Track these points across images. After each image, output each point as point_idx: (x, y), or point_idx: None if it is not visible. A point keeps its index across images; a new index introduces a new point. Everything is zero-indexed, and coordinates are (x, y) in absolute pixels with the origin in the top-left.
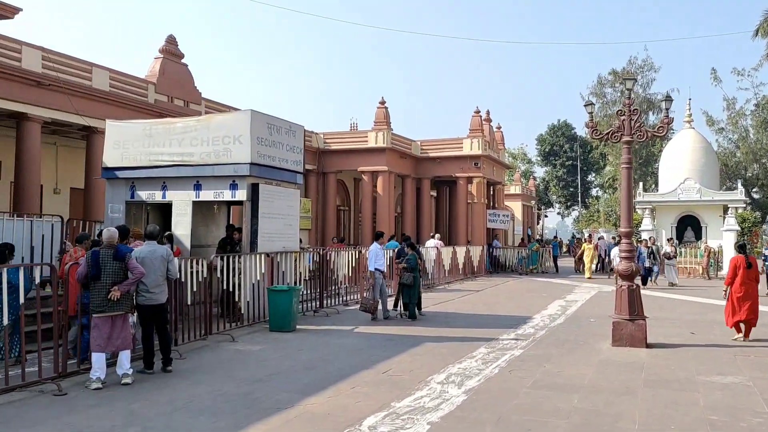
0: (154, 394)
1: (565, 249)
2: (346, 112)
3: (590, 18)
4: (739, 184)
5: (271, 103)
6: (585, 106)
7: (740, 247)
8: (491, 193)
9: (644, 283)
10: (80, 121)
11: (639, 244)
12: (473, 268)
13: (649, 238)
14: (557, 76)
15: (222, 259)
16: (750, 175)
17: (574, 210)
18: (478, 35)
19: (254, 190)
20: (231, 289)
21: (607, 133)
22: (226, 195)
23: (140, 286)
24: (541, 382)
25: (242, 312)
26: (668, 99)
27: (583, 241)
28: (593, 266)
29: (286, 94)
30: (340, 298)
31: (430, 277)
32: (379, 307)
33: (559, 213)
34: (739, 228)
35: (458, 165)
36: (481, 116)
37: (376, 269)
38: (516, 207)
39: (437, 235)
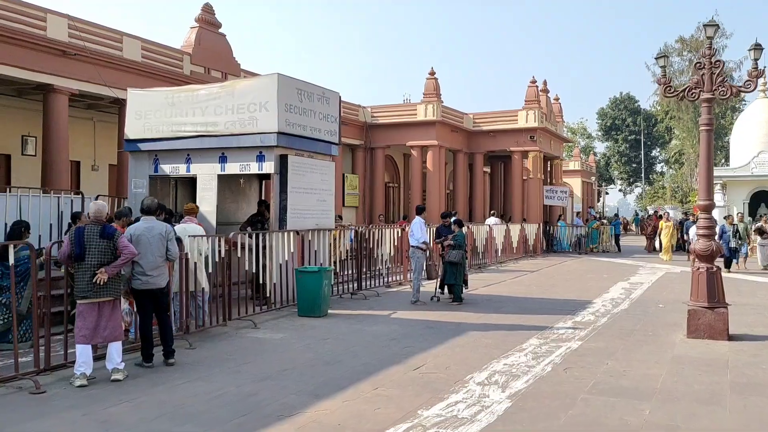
0: (143, 394)
1: (629, 227)
2: (397, 88)
3: None
4: None
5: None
6: (657, 59)
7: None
8: (548, 168)
9: (728, 266)
10: (110, 93)
11: (724, 221)
12: (528, 247)
13: (737, 214)
14: (620, 46)
15: (248, 236)
16: None
17: (637, 186)
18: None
19: (283, 162)
20: (256, 271)
21: (683, 90)
22: (253, 167)
23: (136, 268)
24: (604, 385)
25: (268, 295)
26: (758, 47)
27: (659, 218)
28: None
29: (332, 68)
30: (382, 279)
31: (482, 256)
32: (416, 288)
33: (620, 190)
34: None
35: (513, 139)
36: (537, 87)
37: (417, 246)
38: (575, 183)
39: (495, 212)
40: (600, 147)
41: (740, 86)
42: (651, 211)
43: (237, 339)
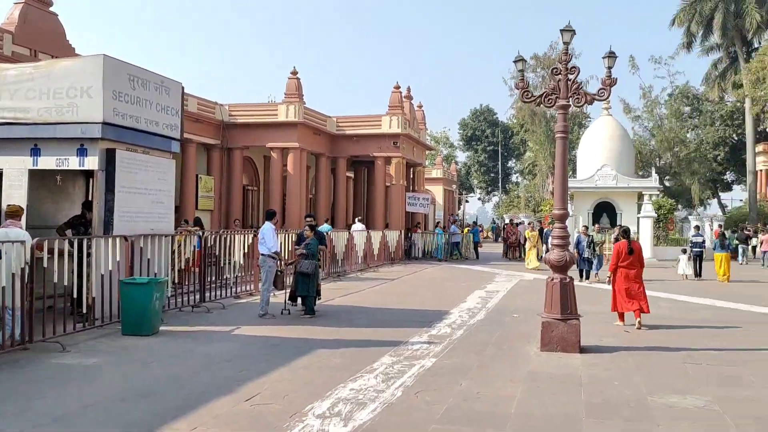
0: None
1: (486, 235)
2: (262, 90)
3: (510, 3)
4: (653, 172)
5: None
6: (515, 62)
7: (624, 233)
8: (411, 175)
9: (585, 277)
10: None
11: (578, 232)
12: (390, 255)
13: (595, 225)
14: (482, 61)
15: (67, 242)
16: (663, 163)
17: (494, 196)
18: (402, 16)
19: (109, 158)
20: (72, 283)
21: (540, 96)
22: (72, 162)
23: None
24: (457, 411)
25: (86, 311)
26: (611, 55)
27: (515, 225)
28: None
29: (194, 64)
30: (230, 290)
31: (341, 264)
32: (264, 300)
33: (480, 198)
34: (655, 215)
35: (376, 144)
36: (401, 93)
37: (268, 255)
38: (437, 191)
39: (361, 218)
40: (461, 156)
41: (594, 94)
42: (507, 220)
43: (34, 367)
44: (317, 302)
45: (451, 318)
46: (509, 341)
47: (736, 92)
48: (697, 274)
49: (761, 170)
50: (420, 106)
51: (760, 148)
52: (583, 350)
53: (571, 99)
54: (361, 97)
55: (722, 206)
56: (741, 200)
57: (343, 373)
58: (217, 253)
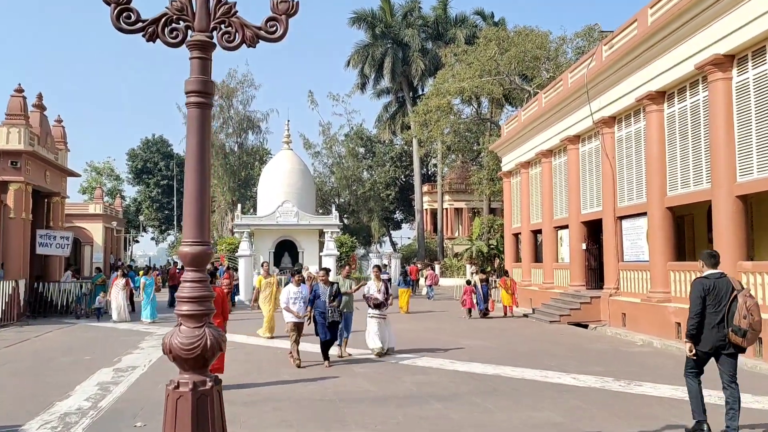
0: None
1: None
2: None
3: None
4: (334, 209)
5: None
6: None
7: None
8: (46, 208)
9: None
10: None
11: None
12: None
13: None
14: (153, 87)
15: None
16: (342, 200)
17: (170, 234)
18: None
19: None
20: None
21: (155, 22)
22: None
23: None
24: None
25: None
26: None
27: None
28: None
29: None
30: None
31: None
32: None
33: (153, 238)
34: (338, 252)
35: None
36: (25, 98)
37: None
38: (96, 229)
39: None
40: (131, 191)
41: (261, 27)
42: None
43: None
44: None
45: None
46: None
47: (405, 134)
48: None
49: (427, 209)
50: (60, 121)
51: (425, 188)
52: None
53: (216, 33)
54: None
55: (393, 244)
56: (409, 238)
57: None
58: None
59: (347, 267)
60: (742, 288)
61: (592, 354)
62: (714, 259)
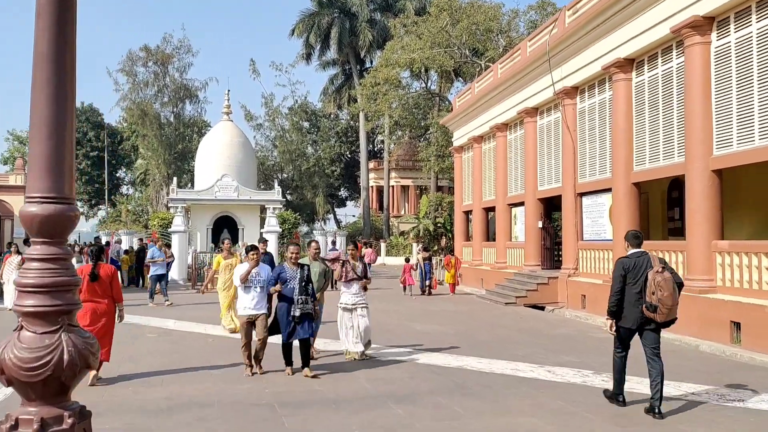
0: None
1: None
2: None
3: None
4: (276, 185)
5: None
6: None
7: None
8: None
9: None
10: None
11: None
12: None
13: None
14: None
15: None
16: (286, 176)
17: (100, 209)
18: None
19: None
20: None
21: None
22: None
23: None
24: None
25: None
26: None
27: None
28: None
29: None
30: None
31: None
32: None
33: (83, 213)
34: (280, 229)
35: None
36: None
37: None
38: (17, 203)
39: None
40: None
41: None
42: (114, 238)
43: None
44: None
45: None
46: None
47: (351, 107)
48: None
49: (373, 186)
50: None
51: (371, 165)
52: None
53: None
54: None
55: (338, 221)
56: (354, 216)
57: None
58: None
59: (314, 243)
60: (661, 266)
61: (559, 340)
62: (637, 240)
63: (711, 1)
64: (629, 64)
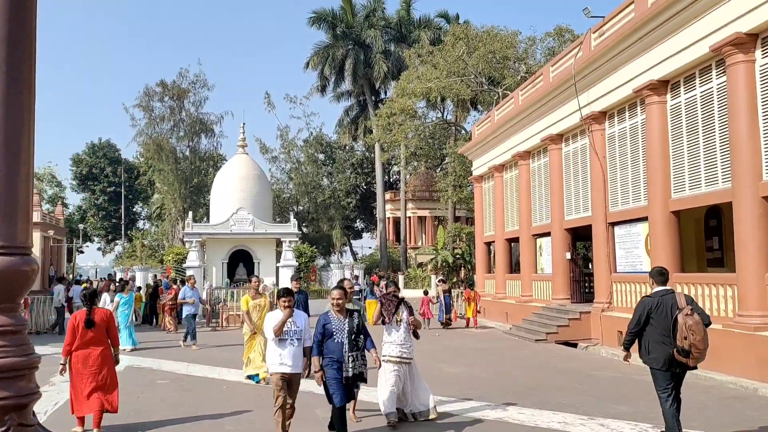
0: None
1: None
2: None
3: (139, 24)
4: (292, 217)
5: None
6: None
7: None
8: None
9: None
10: None
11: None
12: None
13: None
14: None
15: None
16: (301, 208)
17: (117, 245)
18: None
19: None
20: None
21: None
22: None
23: None
24: None
25: None
26: None
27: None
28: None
29: None
30: None
31: None
32: None
33: (99, 248)
34: (296, 263)
35: None
36: None
37: None
38: (34, 240)
39: None
40: (75, 198)
41: None
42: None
43: None
44: None
45: None
46: None
47: (367, 138)
48: None
49: (389, 217)
50: None
51: (388, 196)
52: None
53: None
54: None
55: (354, 254)
56: (371, 247)
57: None
58: None
59: (346, 282)
60: (690, 308)
61: (604, 385)
62: (662, 277)
63: (754, 17)
64: (663, 86)
